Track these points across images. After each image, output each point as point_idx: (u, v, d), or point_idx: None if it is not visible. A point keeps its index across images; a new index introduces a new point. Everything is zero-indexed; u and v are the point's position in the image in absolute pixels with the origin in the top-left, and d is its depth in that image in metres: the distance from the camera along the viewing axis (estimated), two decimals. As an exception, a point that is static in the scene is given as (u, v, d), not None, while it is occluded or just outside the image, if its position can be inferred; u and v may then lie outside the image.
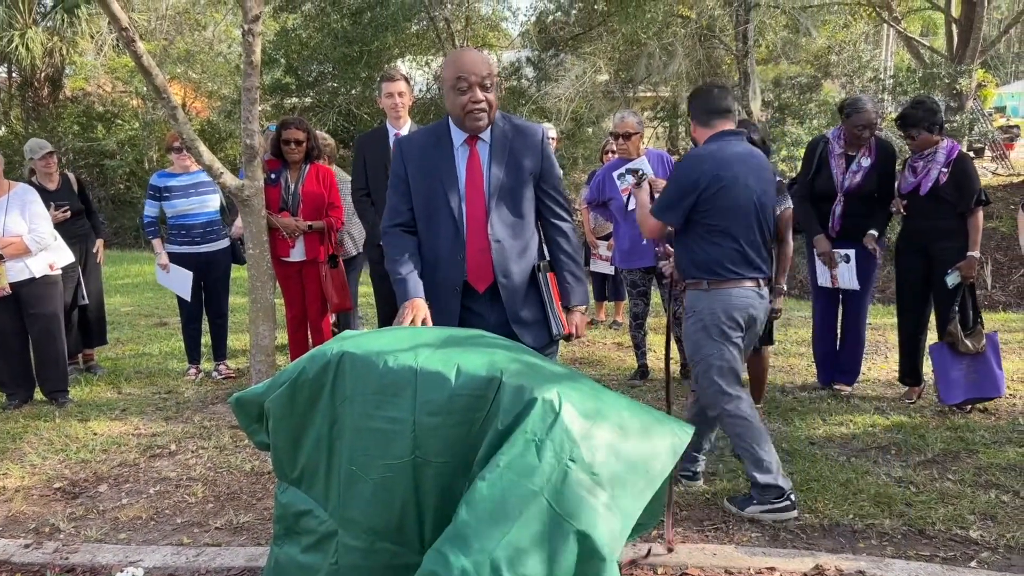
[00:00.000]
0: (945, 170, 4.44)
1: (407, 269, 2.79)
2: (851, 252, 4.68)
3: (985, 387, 4.49)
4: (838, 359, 5.02)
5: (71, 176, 5.86)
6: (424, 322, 2.61)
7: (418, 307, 2.67)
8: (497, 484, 1.87)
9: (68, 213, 5.59)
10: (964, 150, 4.55)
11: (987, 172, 15.35)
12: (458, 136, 2.83)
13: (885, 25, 16.66)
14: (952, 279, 4.46)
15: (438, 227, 2.84)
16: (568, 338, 2.99)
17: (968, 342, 4.45)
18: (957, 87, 12.17)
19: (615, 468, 1.94)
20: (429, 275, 2.84)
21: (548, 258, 3.00)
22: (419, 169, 2.85)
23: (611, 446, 1.97)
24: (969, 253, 4.43)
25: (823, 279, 4.82)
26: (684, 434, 2.10)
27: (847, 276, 4.73)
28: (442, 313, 2.82)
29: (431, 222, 2.85)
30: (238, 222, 5.70)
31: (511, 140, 2.85)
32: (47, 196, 5.53)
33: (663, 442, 2.06)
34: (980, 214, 4.46)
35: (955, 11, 14.08)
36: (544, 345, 2.90)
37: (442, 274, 2.85)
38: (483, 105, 2.71)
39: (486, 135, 2.83)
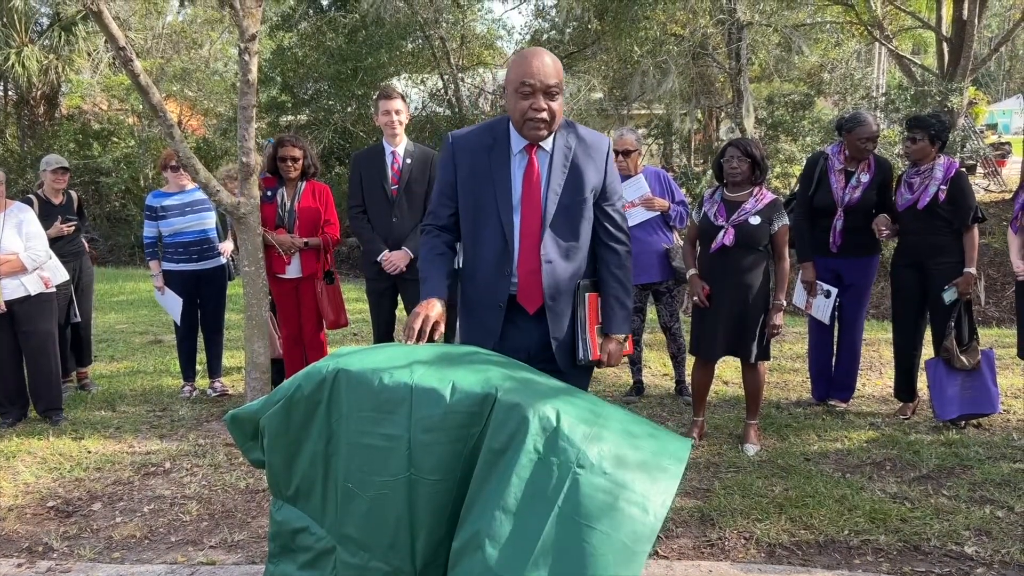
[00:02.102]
0: (944, 187, 4.47)
1: (432, 269, 2.62)
2: (834, 290, 4.74)
3: (981, 403, 4.50)
4: (833, 375, 5.03)
5: (74, 195, 5.90)
6: (436, 325, 2.48)
7: (432, 305, 2.50)
8: (516, 512, 1.89)
9: (73, 227, 5.67)
10: (960, 168, 4.59)
11: (979, 188, 15.48)
12: (517, 142, 2.62)
13: (877, 43, 16.81)
14: (949, 295, 4.48)
15: (483, 238, 2.64)
16: (598, 364, 2.76)
17: (964, 358, 4.46)
18: (948, 104, 12.26)
19: (627, 464, 1.94)
20: (469, 289, 2.66)
21: (592, 278, 2.76)
22: (470, 173, 2.64)
23: (619, 443, 1.97)
24: (966, 269, 4.45)
25: (799, 300, 4.87)
26: (684, 443, 2.10)
27: (822, 310, 4.79)
28: (481, 329, 2.65)
29: (477, 232, 2.65)
30: (227, 243, 5.71)
31: (574, 151, 2.64)
32: (53, 210, 5.59)
33: (669, 439, 2.07)
34: (976, 231, 4.49)
35: (946, 30, 14.22)
36: (569, 368, 2.70)
37: (484, 289, 2.66)
38: (545, 115, 2.52)
39: (547, 144, 2.62)
